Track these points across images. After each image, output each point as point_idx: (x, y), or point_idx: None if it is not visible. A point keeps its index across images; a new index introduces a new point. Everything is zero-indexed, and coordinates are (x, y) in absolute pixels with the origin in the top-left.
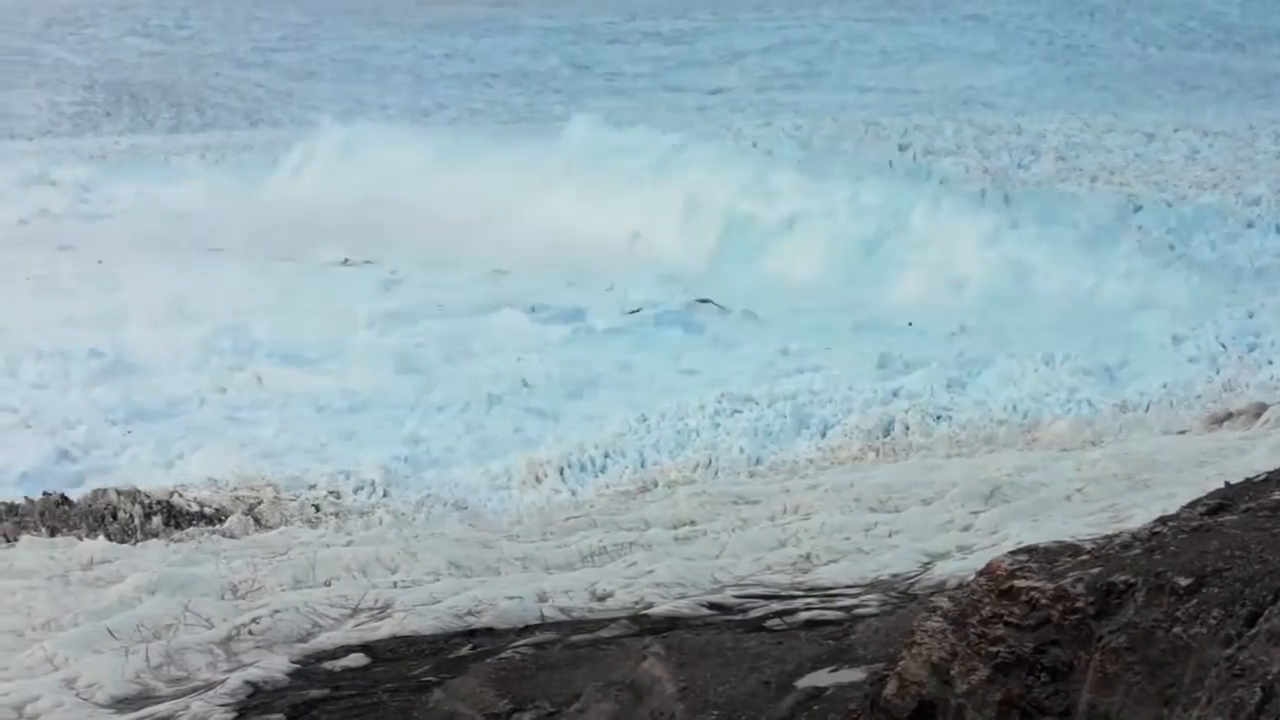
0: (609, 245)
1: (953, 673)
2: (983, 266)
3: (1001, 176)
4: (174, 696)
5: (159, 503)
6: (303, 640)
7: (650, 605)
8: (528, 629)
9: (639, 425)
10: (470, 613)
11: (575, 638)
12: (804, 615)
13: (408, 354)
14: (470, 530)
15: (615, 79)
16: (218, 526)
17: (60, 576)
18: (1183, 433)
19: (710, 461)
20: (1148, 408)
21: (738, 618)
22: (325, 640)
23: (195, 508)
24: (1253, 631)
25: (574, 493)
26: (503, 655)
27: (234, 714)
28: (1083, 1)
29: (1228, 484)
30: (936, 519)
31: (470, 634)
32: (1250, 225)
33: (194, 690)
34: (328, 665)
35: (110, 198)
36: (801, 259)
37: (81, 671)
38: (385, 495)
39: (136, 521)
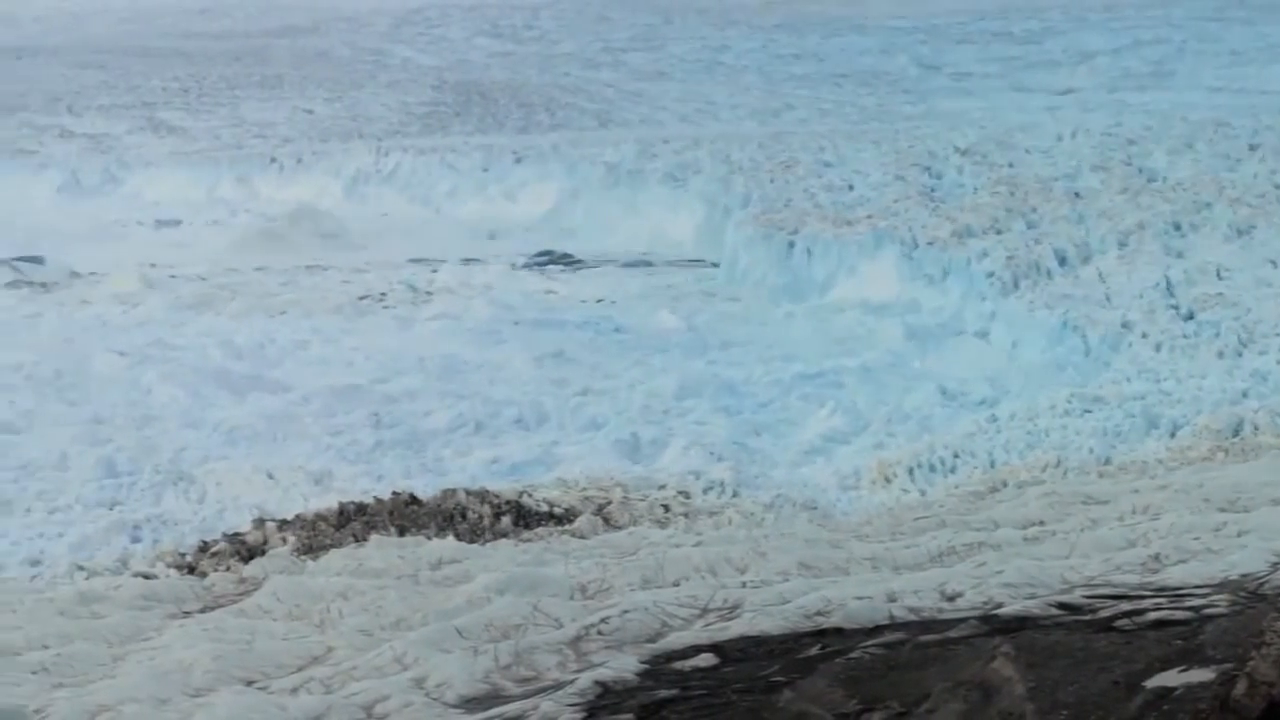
0: None
1: None
2: None
3: None
4: (523, 696)
5: (508, 503)
6: (652, 640)
7: (1000, 605)
8: (877, 629)
9: (989, 425)
10: (819, 613)
11: (924, 638)
12: (1153, 615)
13: None
14: (820, 530)
15: (964, 79)
16: (567, 526)
17: (409, 576)
18: None
19: (1059, 462)
20: None
21: (1087, 618)
22: (674, 640)
23: (544, 508)
24: None
25: (923, 493)
26: (852, 655)
27: (583, 714)
28: None
29: None
30: None
31: (819, 634)
32: None
33: (543, 690)
34: (677, 665)
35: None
36: None
37: (430, 671)
38: (735, 495)
39: (485, 522)
